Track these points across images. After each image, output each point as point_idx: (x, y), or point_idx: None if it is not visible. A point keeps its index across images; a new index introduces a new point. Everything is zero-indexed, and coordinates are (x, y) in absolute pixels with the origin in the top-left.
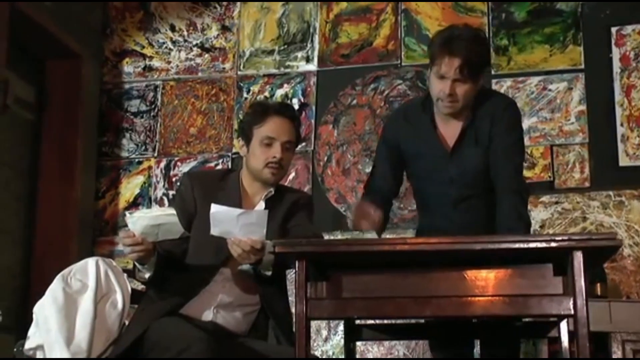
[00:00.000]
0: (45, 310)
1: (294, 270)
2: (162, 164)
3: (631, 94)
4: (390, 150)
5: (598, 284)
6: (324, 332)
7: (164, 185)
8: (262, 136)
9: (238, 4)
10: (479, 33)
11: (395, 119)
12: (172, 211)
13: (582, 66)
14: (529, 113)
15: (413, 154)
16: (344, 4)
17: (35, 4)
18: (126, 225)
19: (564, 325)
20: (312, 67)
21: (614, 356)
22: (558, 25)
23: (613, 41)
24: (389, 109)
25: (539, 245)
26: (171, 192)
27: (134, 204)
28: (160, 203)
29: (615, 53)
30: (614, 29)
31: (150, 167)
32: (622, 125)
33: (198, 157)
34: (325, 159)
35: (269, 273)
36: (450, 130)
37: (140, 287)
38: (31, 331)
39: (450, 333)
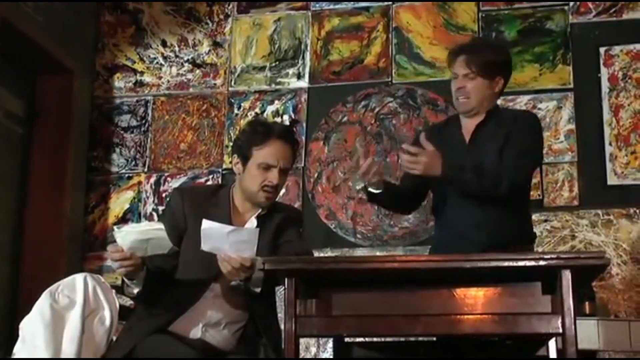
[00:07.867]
0: (32, 326)
1: (283, 287)
2: (152, 180)
3: (619, 113)
4: None
5: (586, 303)
6: (313, 349)
7: (153, 201)
8: (262, 160)
9: (230, 20)
10: (495, 42)
11: (430, 129)
12: (161, 225)
13: (571, 85)
14: None
15: None
16: (335, 21)
17: (26, 19)
18: (115, 241)
19: (552, 344)
20: (304, 83)
21: None
22: (548, 45)
23: (602, 61)
24: (380, 126)
25: (528, 263)
26: (161, 208)
27: (123, 220)
28: (149, 219)
29: (604, 73)
30: (602, 49)
31: (140, 183)
32: (610, 144)
33: (188, 173)
34: (316, 175)
35: (259, 290)
36: (471, 128)
37: (128, 303)
38: (17, 347)
39: (442, 352)
